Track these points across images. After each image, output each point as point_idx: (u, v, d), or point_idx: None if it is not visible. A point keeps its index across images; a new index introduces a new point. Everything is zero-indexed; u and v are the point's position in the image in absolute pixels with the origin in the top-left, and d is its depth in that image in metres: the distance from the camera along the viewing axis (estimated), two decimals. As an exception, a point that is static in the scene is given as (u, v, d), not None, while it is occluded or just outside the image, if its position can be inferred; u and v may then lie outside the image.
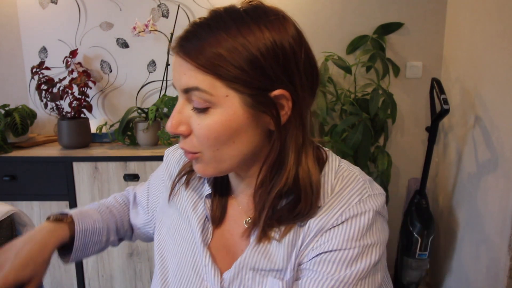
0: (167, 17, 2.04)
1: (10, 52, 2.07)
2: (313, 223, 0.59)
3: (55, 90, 1.85)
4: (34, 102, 2.11)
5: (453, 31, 1.99)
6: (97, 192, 1.74)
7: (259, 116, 0.55)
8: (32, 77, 1.95)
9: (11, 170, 1.74)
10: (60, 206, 1.76)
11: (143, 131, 1.85)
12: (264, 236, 0.61)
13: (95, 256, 1.79)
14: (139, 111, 1.95)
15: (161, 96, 1.95)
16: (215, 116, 0.54)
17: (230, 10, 0.55)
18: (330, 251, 0.57)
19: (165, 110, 1.89)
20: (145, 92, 2.12)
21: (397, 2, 2.03)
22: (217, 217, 0.67)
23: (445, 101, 1.66)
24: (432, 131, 1.80)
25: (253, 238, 0.62)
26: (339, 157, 0.66)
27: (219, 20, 0.54)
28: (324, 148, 0.66)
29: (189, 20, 2.04)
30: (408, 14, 2.03)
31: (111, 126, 1.96)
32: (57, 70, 2.04)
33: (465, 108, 1.82)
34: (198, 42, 0.52)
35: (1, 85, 2.11)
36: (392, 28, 2.03)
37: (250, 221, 0.65)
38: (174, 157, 0.78)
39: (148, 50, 2.07)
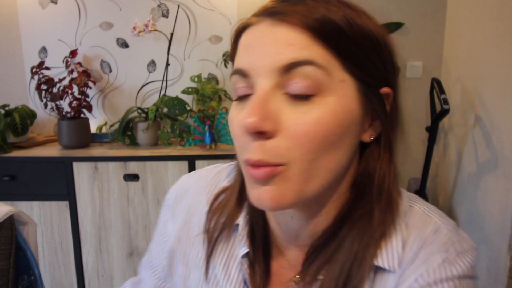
0: (167, 17, 2.04)
1: (10, 52, 2.07)
2: None
3: (55, 90, 1.85)
4: (34, 102, 2.11)
5: (453, 31, 1.99)
6: (97, 192, 1.74)
7: (364, 117, 0.43)
8: (32, 77, 1.95)
9: (11, 170, 1.74)
10: (60, 206, 1.76)
11: (143, 131, 1.85)
12: None
13: (95, 256, 1.79)
14: (139, 111, 1.94)
15: (161, 96, 1.95)
16: (324, 106, 0.39)
17: None
18: None
19: (165, 110, 1.89)
20: (145, 92, 2.12)
21: (397, 2, 2.03)
22: (260, 280, 0.48)
23: (445, 101, 1.66)
24: (432, 131, 1.80)
25: None
26: (407, 192, 0.50)
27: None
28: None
29: (189, 20, 2.04)
30: (408, 14, 2.03)
31: (111, 126, 1.96)
32: (57, 70, 2.04)
33: (465, 108, 1.82)
34: (313, 7, 0.39)
35: (1, 85, 2.11)
36: (392, 28, 2.03)
37: (298, 279, 0.48)
38: (185, 199, 0.57)
39: (148, 50, 2.07)
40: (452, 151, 1.98)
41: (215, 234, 0.51)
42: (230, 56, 0.48)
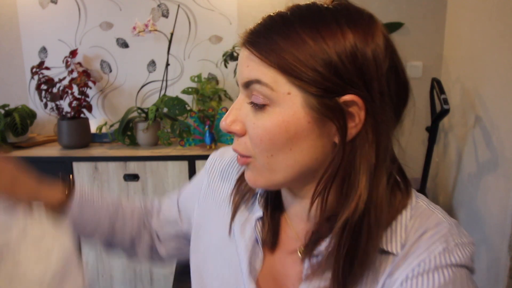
0: (167, 17, 2.04)
1: (10, 52, 2.07)
2: (387, 271, 0.49)
3: (55, 90, 1.85)
4: (34, 102, 2.11)
5: (453, 31, 1.99)
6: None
7: (324, 123, 0.47)
8: (32, 77, 1.95)
9: (11, 170, 1.74)
10: (60, 206, 1.76)
11: (143, 131, 1.85)
12: (319, 273, 0.52)
13: (95, 256, 1.79)
14: (139, 111, 1.95)
15: (161, 96, 1.95)
16: (272, 115, 0.47)
17: (312, 7, 0.48)
18: None
19: (165, 110, 1.89)
20: (145, 92, 2.12)
21: (397, 2, 2.03)
22: (269, 241, 0.57)
23: (445, 101, 1.66)
24: (432, 131, 1.80)
25: (305, 274, 0.53)
26: (416, 191, 0.55)
27: (299, 15, 0.47)
28: (407, 179, 0.55)
29: (189, 20, 2.04)
30: (408, 14, 2.03)
31: (111, 126, 1.95)
32: (57, 70, 2.04)
33: (465, 108, 1.82)
34: (268, 35, 0.47)
35: (1, 85, 2.11)
36: (392, 28, 2.03)
37: (304, 249, 0.55)
38: (219, 166, 0.69)
39: (148, 50, 2.07)
40: (452, 151, 1.98)
41: (239, 199, 0.61)
42: None
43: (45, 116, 2.10)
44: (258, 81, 0.47)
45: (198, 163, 1.72)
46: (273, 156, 0.49)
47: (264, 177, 0.51)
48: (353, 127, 0.47)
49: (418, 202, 0.53)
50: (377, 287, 0.50)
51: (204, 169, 0.72)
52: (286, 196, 0.58)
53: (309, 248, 0.53)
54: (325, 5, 0.48)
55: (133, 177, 1.72)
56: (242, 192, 0.61)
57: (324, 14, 0.47)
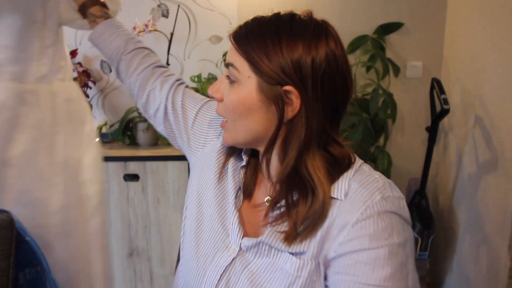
0: (167, 17, 2.04)
1: (10, 52, 2.07)
2: (335, 213, 0.64)
3: (55, 90, 1.85)
4: (34, 102, 2.11)
5: (453, 31, 1.99)
6: (97, 192, 1.74)
7: (270, 104, 0.64)
8: (32, 77, 1.95)
9: (11, 170, 1.74)
10: (60, 206, 1.76)
11: (143, 131, 1.85)
12: (280, 220, 0.67)
13: (95, 256, 1.79)
14: (139, 111, 1.95)
15: (161, 96, 1.95)
16: (236, 91, 0.66)
17: (282, 19, 0.66)
18: (360, 250, 0.61)
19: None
20: (145, 92, 2.12)
21: (397, 2, 2.03)
22: (248, 190, 0.75)
23: (445, 101, 1.66)
24: (432, 131, 1.80)
25: (271, 219, 0.68)
26: (362, 161, 0.70)
27: (268, 23, 0.66)
28: (355, 156, 0.70)
29: (189, 20, 2.04)
30: (408, 14, 2.03)
31: (111, 126, 1.96)
32: (57, 70, 2.04)
33: (465, 108, 1.82)
34: (245, 33, 0.66)
35: (1, 85, 2.11)
36: (392, 28, 2.03)
37: (269, 199, 0.72)
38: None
39: (148, 50, 2.07)
40: (452, 151, 1.98)
41: (231, 151, 0.78)
42: None
43: (45, 116, 2.10)
44: (231, 64, 0.66)
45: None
46: (235, 120, 0.67)
47: (231, 137, 0.70)
48: (291, 110, 0.63)
49: (361, 166, 0.68)
50: (324, 225, 0.64)
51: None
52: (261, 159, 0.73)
53: (272, 202, 0.69)
54: (288, 16, 0.66)
55: (133, 177, 1.72)
56: (235, 147, 0.77)
57: (287, 28, 0.64)
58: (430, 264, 1.95)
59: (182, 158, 1.73)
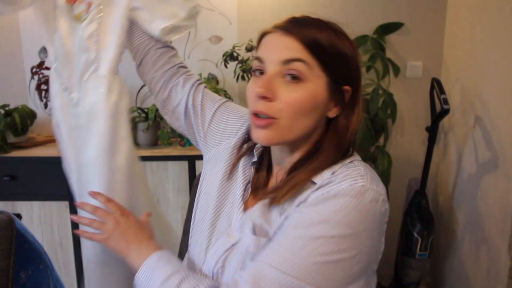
0: (167, 17, 2.04)
1: (10, 52, 2.07)
2: (308, 195, 0.66)
3: (55, 90, 1.85)
4: (34, 102, 2.11)
5: (453, 31, 1.99)
6: (97, 192, 1.74)
7: (329, 101, 0.68)
8: (32, 77, 1.95)
9: (11, 170, 1.74)
10: (60, 206, 1.76)
11: (143, 131, 1.85)
12: (272, 204, 0.70)
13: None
14: (139, 111, 1.95)
15: (161, 96, 1.95)
16: (305, 89, 0.65)
17: (324, 20, 0.69)
18: (303, 212, 0.63)
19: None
20: (145, 92, 2.11)
21: (397, 2, 2.03)
22: (257, 184, 0.78)
23: (445, 101, 1.66)
24: (432, 131, 1.80)
25: (266, 201, 0.71)
26: (360, 160, 0.72)
27: (322, 22, 0.68)
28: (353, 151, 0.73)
29: (189, 20, 2.04)
30: (408, 14, 2.03)
31: (111, 126, 1.95)
32: (57, 70, 2.04)
33: (465, 108, 1.82)
34: (308, 29, 0.66)
35: (1, 85, 2.11)
36: (392, 28, 2.03)
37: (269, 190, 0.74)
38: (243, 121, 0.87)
39: (148, 50, 2.07)
40: (452, 151, 1.98)
41: (243, 150, 0.81)
42: (256, 48, 0.75)
43: (45, 116, 2.10)
44: (301, 60, 0.64)
45: (198, 163, 1.73)
46: (296, 119, 0.66)
47: (281, 135, 0.67)
48: (337, 109, 0.70)
49: (353, 161, 0.69)
50: (293, 204, 0.67)
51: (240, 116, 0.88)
52: (279, 152, 0.75)
53: (273, 187, 0.72)
54: (336, 25, 0.69)
55: (133, 177, 1.72)
56: (246, 146, 0.81)
57: (332, 24, 0.69)
58: (430, 264, 1.95)
59: (182, 158, 1.73)
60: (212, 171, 0.84)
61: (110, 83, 0.90)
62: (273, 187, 0.73)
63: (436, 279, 2.12)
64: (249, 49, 1.86)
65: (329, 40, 0.65)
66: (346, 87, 0.68)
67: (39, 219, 1.78)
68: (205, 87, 0.93)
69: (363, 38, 2.01)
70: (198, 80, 0.94)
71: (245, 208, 0.75)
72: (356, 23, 2.04)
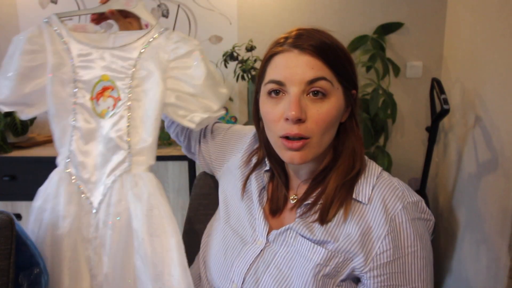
0: (167, 17, 2.04)
1: (10, 52, 2.07)
2: (361, 218, 0.71)
3: (55, 90, 1.85)
4: None
5: (453, 31, 1.99)
6: (97, 192, 1.74)
7: (346, 108, 0.72)
8: (32, 77, 1.94)
9: (11, 170, 1.74)
10: (60, 206, 1.76)
11: (143, 131, 1.84)
12: (308, 213, 0.74)
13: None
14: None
15: (161, 96, 1.95)
16: (330, 103, 0.68)
17: (320, 28, 0.72)
18: (392, 260, 0.68)
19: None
20: (145, 92, 2.12)
21: (397, 2, 2.03)
22: (276, 196, 0.80)
23: (445, 101, 1.66)
24: (432, 131, 1.80)
25: (298, 213, 0.75)
26: (378, 166, 0.77)
27: (323, 32, 0.70)
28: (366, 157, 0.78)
29: (189, 20, 2.04)
30: (408, 14, 2.03)
31: (111, 126, 1.95)
32: (57, 70, 2.04)
33: (465, 108, 1.82)
34: (320, 43, 0.67)
35: (1, 85, 2.11)
36: (392, 28, 2.03)
37: (296, 198, 0.78)
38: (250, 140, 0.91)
39: (148, 50, 2.07)
40: (452, 151, 1.98)
41: (252, 162, 0.86)
42: (259, 70, 0.76)
43: (45, 116, 2.09)
44: (324, 78, 0.67)
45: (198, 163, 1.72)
46: (324, 134, 0.69)
47: (313, 152, 0.70)
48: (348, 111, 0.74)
49: (382, 172, 0.75)
50: (346, 223, 0.71)
51: (247, 137, 0.92)
52: (293, 166, 0.78)
53: (301, 197, 0.76)
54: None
55: (133, 177, 1.72)
56: (256, 161, 0.85)
57: (338, 41, 0.71)
58: (430, 264, 1.94)
59: (182, 158, 1.73)
60: (228, 186, 0.89)
61: (145, 182, 0.88)
62: (312, 200, 0.75)
63: (436, 279, 2.12)
64: (249, 49, 1.86)
65: (340, 50, 0.69)
66: (354, 91, 0.72)
67: (39, 219, 1.78)
68: (216, 123, 1.01)
69: (363, 38, 2.01)
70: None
71: (265, 213, 0.79)
72: (356, 23, 2.04)
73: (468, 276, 1.76)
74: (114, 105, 0.88)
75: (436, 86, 1.74)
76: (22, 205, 1.77)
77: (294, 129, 0.67)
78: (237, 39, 2.04)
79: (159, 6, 2.03)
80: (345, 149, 0.74)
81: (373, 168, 0.75)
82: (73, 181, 0.85)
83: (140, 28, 0.94)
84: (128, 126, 0.87)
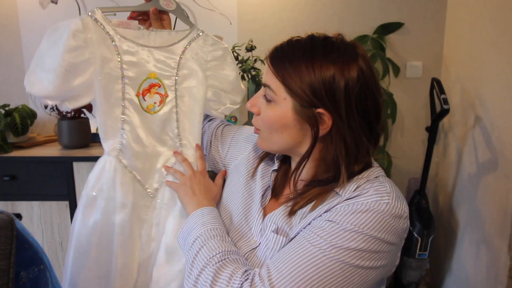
0: (167, 17, 2.04)
1: (10, 52, 2.07)
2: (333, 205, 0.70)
3: (55, 90, 1.85)
4: (34, 102, 2.11)
5: (453, 31, 1.99)
6: (97, 192, 1.74)
7: (303, 122, 0.71)
8: (32, 77, 1.94)
9: (11, 170, 1.74)
10: (60, 206, 1.76)
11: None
12: (292, 210, 0.76)
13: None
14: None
15: (161, 96, 1.95)
16: (273, 109, 0.73)
17: (314, 42, 0.71)
18: (332, 221, 0.67)
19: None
20: (145, 92, 2.12)
21: (397, 2, 2.03)
22: (276, 191, 0.83)
23: (445, 101, 1.66)
24: (432, 131, 1.80)
25: (286, 206, 0.77)
26: (385, 176, 0.75)
27: (302, 47, 0.71)
28: (377, 166, 0.77)
29: (189, 20, 2.04)
30: (408, 14, 2.03)
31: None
32: (57, 70, 2.04)
33: (465, 108, 1.82)
34: (281, 57, 0.71)
35: (1, 85, 2.11)
36: (392, 28, 2.03)
37: (291, 196, 0.79)
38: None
39: (148, 50, 2.07)
40: (452, 151, 1.98)
41: (264, 155, 0.89)
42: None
43: (45, 116, 2.10)
44: (268, 86, 0.73)
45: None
46: (271, 133, 0.76)
47: (266, 145, 0.79)
48: (324, 128, 0.70)
49: (378, 178, 0.73)
50: (314, 211, 0.71)
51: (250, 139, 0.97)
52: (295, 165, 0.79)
53: (293, 197, 0.77)
54: (321, 40, 0.71)
55: (133, 177, 1.73)
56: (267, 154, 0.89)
57: (318, 50, 0.69)
58: (430, 264, 1.95)
59: (182, 158, 1.73)
60: (234, 177, 0.93)
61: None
62: (298, 193, 0.76)
63: (436, 279, 2.12)
64: (249, 49, 1.86)
65: (297, 66, 0.69)
66: (320, 110, 0.68)
67: (39, 219, 1.78)
68: (226, 125, 1.06)
69: (363, 38, 2.01)
70: (221, 121, 1.08)
71: (265, 213, 0.80)
72: (356, 23, 2.04)
73: (468, 276, 1.76)
74: (161, 101, 0.96)
75: (436, 86, 1.74)
76: (22, 205, 1.77)
77: (253, 118, 0.80)
78: (237, 39, 2.03)
79: (159, 6, 2.03)
80: (330, 162, 0.73)
81: (371, 172, 0.74)
82: (128, 170, 0.93)
83: (170, 28, 1.01)
84: (177, 122, 0.97)
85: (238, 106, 1.06)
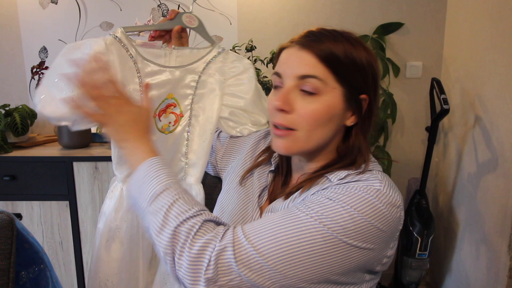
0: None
1: (10, 52, 2.07)
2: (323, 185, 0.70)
3: (55, 90, 1.85)
4: (34, 102, 2.11)
5: (453, 31, 1.99)
6: (97, 192, 1.74)
7: (346, 110, 0.70)
8: (32, 77, 1.95)
9: (11, 170, 1.74)
10: (60, 206, 1.76)
11: (143, 131, 1.85)
12: (286, 193, 0.75)
13: (95, 256, 1.80)
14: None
15: (161, 96, 1.95)
16: (319, 101, 0.68)
17: (340, 31, 0.71)
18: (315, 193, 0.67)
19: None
20: (145, 92, 2.12)
21: (397, 2, 2.03)
22: (272, 192, 0.82)
23: (445, 101, 1.66)
24: (432, 131, 1.80)
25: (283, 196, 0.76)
26: (381, 171, 0.72)
27: (337, 33, 0.69)
28: (373, 158, 0.77)
29: (189, 20, 2.04)
30: (408, 14, 2.03)
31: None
32: (57, 70, 2.04)
33: (465, 108, 1.82)
34: (324, 43, 0.67)
35: (1, 85, 2.11)
36: (392, 28, 2.03)
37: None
38: (255, 138, 0.94)
39: (148, 50, 2.07)
40: (452, 151, 1.98)
41: (260, 158, 0.87)
42: (274, 63, 0.77)
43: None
44: (315, 77, 0.67)
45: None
46: (314, 130, 0.69)
47: (299, 146, 0.71)
48: (355, 117, 0.71)
49: (373, 171, 0.70)
50: (304, 193, 0.71)
51: (250, 139, 0.95)
52: (298, 161, 0.79)
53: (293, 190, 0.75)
54: (353, 36, 0.71)
55: (133, 177, 1.73)
56: (263, 155, 0.87)
57: (349, 35, 0.70)
58: (430, 264, 1.95)
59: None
60: (231, 178, 0.91)
61: (196, 192, 0.95)
62: (291, 187, 0.76)
63: (436, 279, 2.12)
64: (249, 49, 1.86)
65: (345, 52, 0.67)
66: (363, 96, 0.70)
67: (39, 219, 1.79)
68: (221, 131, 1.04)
69: (363, 38, 2.00)
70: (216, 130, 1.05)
71: (261, 213, 0.79)
72: (356, 23, 2.04)
73: (468, 276, 1.76)
74: (176, 121, 0.94)
75: (436, 86, 1.74)
76: (22, 205, 1.77)
77: (279, 118, 0.70)
78: (237, 39, 2.04)
79: (159, 6, 2.03)
80: (346, 153, 0.73)
81: (367, 165, 0.73)
82: None
83: (187, 44, 0.98)
84: (187, 140, 0.95)
85: (263, 128, 0.98)
